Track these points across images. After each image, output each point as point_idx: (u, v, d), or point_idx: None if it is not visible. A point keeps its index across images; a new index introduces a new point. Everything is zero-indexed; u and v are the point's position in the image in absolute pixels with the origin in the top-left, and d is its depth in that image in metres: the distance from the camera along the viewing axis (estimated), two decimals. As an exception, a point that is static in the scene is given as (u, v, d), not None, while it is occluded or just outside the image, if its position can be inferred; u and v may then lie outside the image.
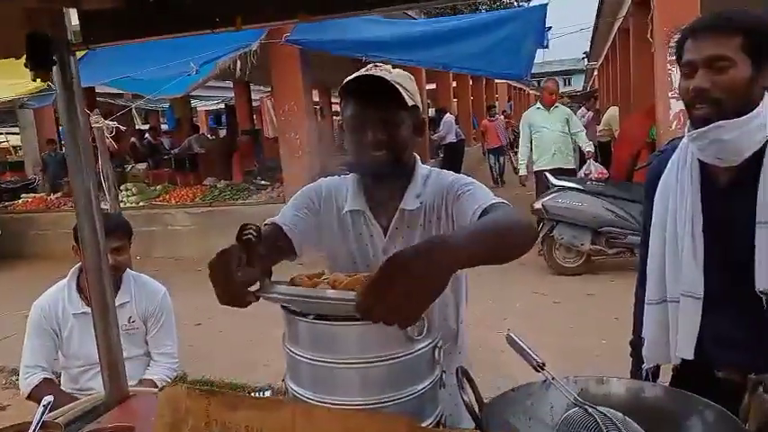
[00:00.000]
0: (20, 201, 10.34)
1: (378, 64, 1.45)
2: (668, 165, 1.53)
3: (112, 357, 1.63)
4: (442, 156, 12.68)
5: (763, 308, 1.37)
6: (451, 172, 1.51)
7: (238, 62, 6.53)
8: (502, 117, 15.34)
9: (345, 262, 1.48)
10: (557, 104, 7.24)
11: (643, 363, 1.58)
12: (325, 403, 1.02)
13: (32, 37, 1.30)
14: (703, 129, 1.37)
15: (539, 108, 7.28)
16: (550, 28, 7.47)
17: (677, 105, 5.98)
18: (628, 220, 5.79)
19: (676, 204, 1.48)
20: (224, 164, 10.35)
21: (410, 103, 1.38)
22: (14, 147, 18.01)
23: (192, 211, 8.63)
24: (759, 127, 1.36)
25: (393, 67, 1.44)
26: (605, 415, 0.98)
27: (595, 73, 26.66)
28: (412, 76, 1.48)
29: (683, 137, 1.51)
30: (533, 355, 1.15)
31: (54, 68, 1.40)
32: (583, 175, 6.70)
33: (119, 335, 1.64)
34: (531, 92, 26.57)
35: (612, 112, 11.36)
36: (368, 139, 1.38)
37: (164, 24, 1.30)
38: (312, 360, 1.03)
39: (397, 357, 0.99)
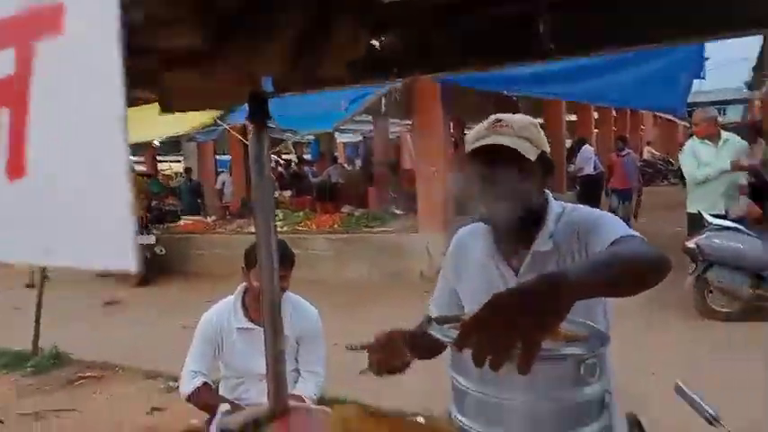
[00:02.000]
0: (181, 222, 11.45)
1: (500, 120, 1.45)
2: None
3: (278, 371, 1.77)
4: (578, 188, 12.20)
5: None
6: (586, 207, 1.50)
7: (383, 99, 6.82)
8: (632, 153, 12.54)
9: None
10: (726, 137, 5.95)
11: None
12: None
13: (254, 95, 1.49)
14: None
15: (703, 142, 5.95)
16: (708, 59, 6.84)
17: None
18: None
19: None
20: (360, 193, 10.79)
21: (534, 156, 1.40)
22: (177, 173, 19.92)
23: (330, 237, 9.05)
24: None
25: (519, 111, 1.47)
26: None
27: (757, 103, 24.28)
28: (536, 123, 1.50)
29: None
30: (706, 407, 1.12)
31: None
32: (738, 216, 6.00)
33: (284, 351, 1.78)
34: (680, 123, 24.79)
35: None
36: (493, 199, 1.40)
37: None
38: (478, 392, 1.06)
39: (566, 399, 1.00)
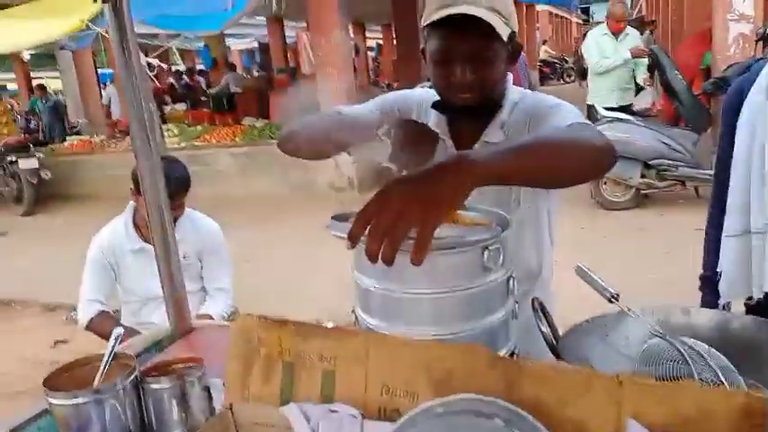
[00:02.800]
0: (65, 144, 10.57)
1: None
2: (755, 86, 1.41)
3: (175, 291, 1.66)
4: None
5: None
6: (546, 95, 1.40)
7: (272, -3, 6.38)
8: (523, 54, 12.70)
9: None
10: (627, 31, 6.25)
11: (717, 297, 1.52)
12: (397, 333, 1.00)
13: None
14: None
15: (605, 34, 6.22)
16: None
17: (737, 28, 5.62)
18: (680, 152, 5.58)
19: (766, 128, 1.37)
20: (261, 103, 10.33)
21: (506, 33, 1.21)
22: (55, 91, 18.31)
23: (233, 151, 8.68)
24: None
25: None
26: (690, 346, 0.95)
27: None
28: None
29: (740, 62, 1.40)
30: (606, 287, 1.12)
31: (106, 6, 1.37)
32: (643, 108, 6.31)
33: (180, 269, 1.66)
34: (574, 20, 25.28)
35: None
36: (455, 79, 1.24)
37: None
38: (383, 290, 1.01)
39: (472, 288, 0.96)
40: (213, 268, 2.71)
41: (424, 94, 1.47)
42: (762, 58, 1.51)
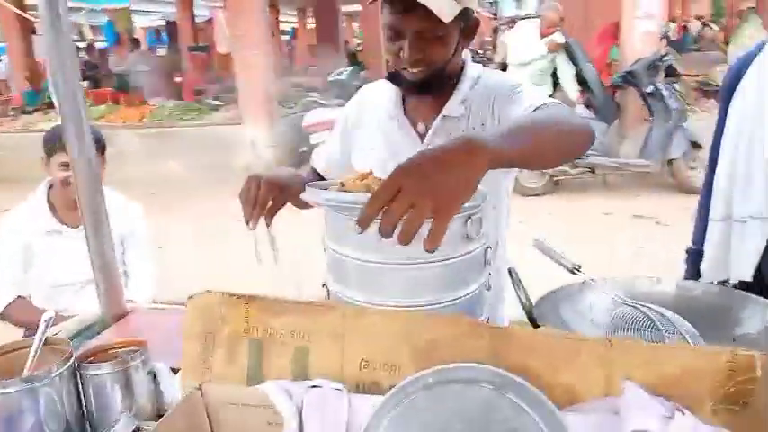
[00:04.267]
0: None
1: None
2: (747, 72, 1.42)
3: (108, 273, 1.54)
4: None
5: None
6: (504, 73, 1.41)
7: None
8: None
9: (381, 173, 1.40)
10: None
11: (699, 274, 1.55)
12: (373, 305, 0.97)
13: None
14: None
15: (532, 32, 6.34)
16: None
17: (643, 25, 5.97)
18: (590, 141, 5.86)
19: (754, 118, 1.38)
20: (170, 83, 9.86)
21: (454, 12, 1.20)
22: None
23: (140, 132, 8.24)
24: None
25: None
26: (657, 311, 0.98)
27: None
28: None
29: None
30: (566, 259, 1.14)
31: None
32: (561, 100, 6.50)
33: (113, 249, 1.54)
34: (485, 15, 25.81)
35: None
36: (404, 56, 1.24)
37: None
38: (360, 261, 0.97)
39: (454, 257, 0.94)
40: (135, 251, 2.55)
41: (364, 93, 1.52)
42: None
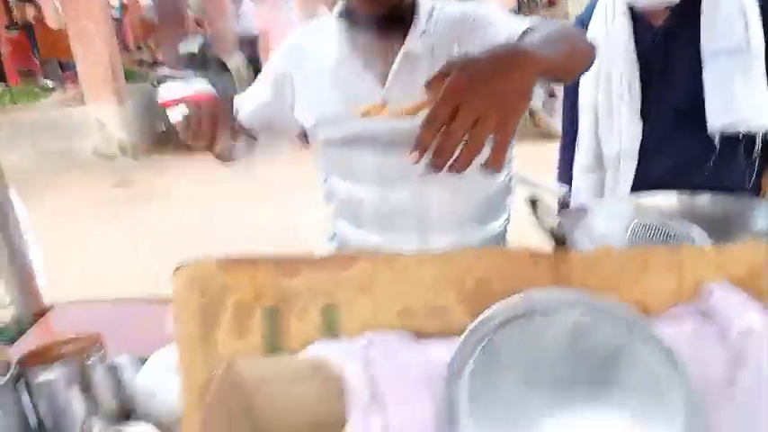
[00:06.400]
0: None
1: None
2: (593, 17, 1.44)
3: (21, 262, 1.29)
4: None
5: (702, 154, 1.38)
6: (457, 4, 1.32)
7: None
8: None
9: (334, 123, 1.27)
10: None
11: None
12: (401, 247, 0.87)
13: None
14: None
15: None
16: None
17: None
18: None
19: (609, 58, 1.40)
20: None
21: None
22: None
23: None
24: None
25: None
26: (671, 224, 0.98)
27: None
28: None
29: None
30: (554, 186, 1.12)
31: None
32: None
33: (23, 236, 1.28)
34: None
35: None
36: None
37: None
38: (373, 198, 0.87)
39: (488, 189, 0.87)
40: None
41: (301, 36, 1.36)
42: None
